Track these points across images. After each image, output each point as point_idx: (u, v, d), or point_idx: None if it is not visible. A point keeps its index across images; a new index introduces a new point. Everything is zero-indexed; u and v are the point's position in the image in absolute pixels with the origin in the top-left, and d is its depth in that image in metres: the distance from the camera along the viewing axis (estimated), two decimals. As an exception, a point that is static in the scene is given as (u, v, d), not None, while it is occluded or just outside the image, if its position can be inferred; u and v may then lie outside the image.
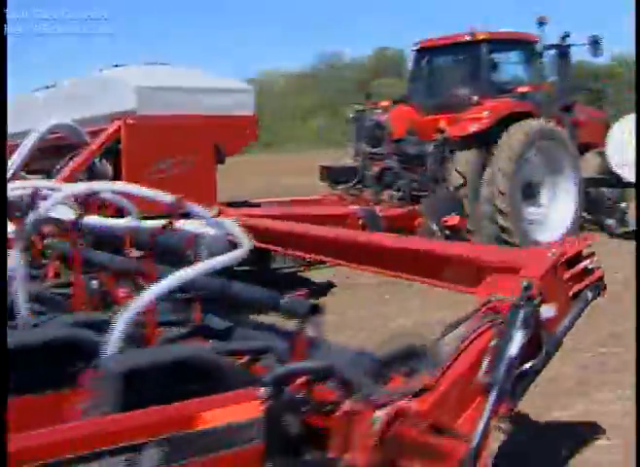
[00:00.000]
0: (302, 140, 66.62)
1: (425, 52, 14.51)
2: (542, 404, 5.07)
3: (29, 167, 8.41)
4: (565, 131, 13.26)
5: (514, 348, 3.06)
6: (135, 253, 4.17)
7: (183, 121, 8.91)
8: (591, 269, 3.57)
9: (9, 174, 7.16)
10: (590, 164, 13.81)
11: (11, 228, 4.12)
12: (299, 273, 10.00)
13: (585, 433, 4.93)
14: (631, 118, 13.46)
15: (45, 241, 4.86)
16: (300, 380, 2.78)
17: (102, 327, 3.11)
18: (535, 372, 3.24)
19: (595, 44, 14.10)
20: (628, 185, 13.11)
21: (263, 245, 4.91)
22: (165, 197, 3.56)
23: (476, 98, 12.77)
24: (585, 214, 13.44)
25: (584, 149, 13.67)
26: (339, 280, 9.68)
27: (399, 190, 12.36)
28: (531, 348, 3.16)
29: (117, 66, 10.28)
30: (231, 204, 8.64)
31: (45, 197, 3.92)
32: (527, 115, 12.71)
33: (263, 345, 3.43)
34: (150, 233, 3.79)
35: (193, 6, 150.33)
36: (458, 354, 3.06)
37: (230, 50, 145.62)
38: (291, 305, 3.51)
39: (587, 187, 13.39)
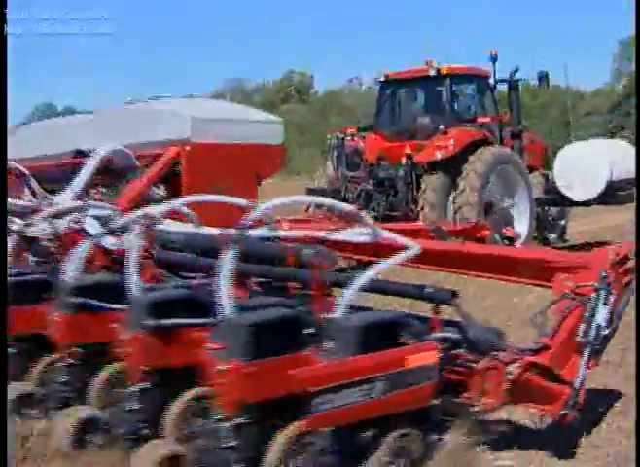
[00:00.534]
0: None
1: (391, 83, 16.06)
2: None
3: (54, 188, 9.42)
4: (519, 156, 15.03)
5: (600, 319, 4.72)
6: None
7: (231, 149, 10.29)
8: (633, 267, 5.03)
9: (72, 194, 8.54)
10: (534, 185, 15.31)
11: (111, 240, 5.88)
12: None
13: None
14: (575, 146, 16.44)
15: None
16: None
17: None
18: (609, 337, 4.87)
19: (543, 78, 16.28)
20: (573, 204, 15.25)
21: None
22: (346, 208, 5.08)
23: (442, 127, 14.38)
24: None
25: (529, 171, 15.23)
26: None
27: (373, 210, 13.77)
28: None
29: (154, 98, 11.80)
30: None
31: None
32: (485, 142, 14.57)
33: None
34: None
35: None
36: (561, 323, 4.72)
37: (132, 73, 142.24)
38: (435, 293, 4.75)
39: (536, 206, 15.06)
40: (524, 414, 5.34)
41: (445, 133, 14.26)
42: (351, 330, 4.12)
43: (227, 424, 4.08)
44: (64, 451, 4.85)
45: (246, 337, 4.08)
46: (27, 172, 9.96)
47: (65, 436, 4.89)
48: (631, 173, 15.20)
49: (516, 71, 15.94)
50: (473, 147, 14.14)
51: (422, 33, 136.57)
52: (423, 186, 13.79)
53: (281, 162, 12.11)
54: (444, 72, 15.13)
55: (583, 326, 4.75)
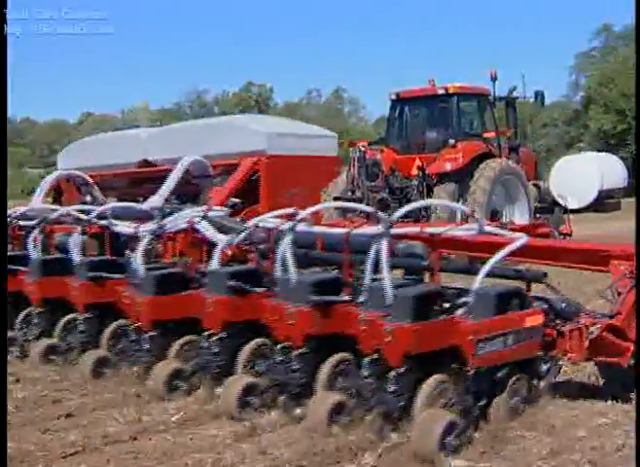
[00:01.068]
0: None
1: (401, 101, 17.57)
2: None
3: (120, 195, 11.20)
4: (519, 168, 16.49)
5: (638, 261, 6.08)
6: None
7: (300, 160, 11.88)
8: None
9: (161, 199, 9.98)
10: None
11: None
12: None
13: None
14: (569, 158, 17.47)
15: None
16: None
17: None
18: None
19: (539, 97, 17.73)
20: (567, 211, 16.49)
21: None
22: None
23: (452, 141, 15.94)
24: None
25: None
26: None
27: (389, 216, 14.73)
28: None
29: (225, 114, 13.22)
30: None
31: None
32: (489, 155, 16.28)
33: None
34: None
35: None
36: (626, 295, 6.10)
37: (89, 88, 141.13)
38: (531, 274, 6.29)
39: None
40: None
41: (454, 147, 15.92)
42: (490, 297, 5.58)
43: (392, 373, 5.32)
44: (231, 413, 6.00)
45: (411, 305, 5.37)
46: (91, 180, 11.80)
47: (233, 400, 6.00)
48: (619, 183, 18.06)
49: (514, 90, 17.64)
50: (478, 159, 15.84)
51: (379, 45, 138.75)
52: (435, 194, 15.16)
53: (337, 172, 13.72)
54: (452, 91, 16.74)
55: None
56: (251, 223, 7.16)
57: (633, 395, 6.33)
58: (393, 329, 5.25)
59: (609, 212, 17.63)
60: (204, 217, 7.76)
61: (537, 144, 49.44)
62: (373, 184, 14.94)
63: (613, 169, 18.80)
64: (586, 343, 5.89)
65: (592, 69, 60.64)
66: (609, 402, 6.27)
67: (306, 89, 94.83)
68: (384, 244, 5.76)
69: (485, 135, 16.87)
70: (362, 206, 8.53)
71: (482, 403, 5.50)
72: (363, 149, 15.10)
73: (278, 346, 6.05)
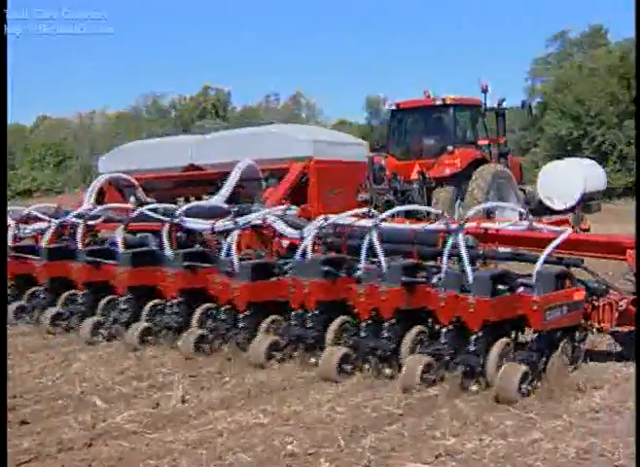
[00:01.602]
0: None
1: (400, 111, 19.00)
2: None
3: (160, 196, 12.37)
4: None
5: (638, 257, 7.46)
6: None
7: (341, 164, 13.33)
8: None
9: (222, 199, 11.24)
10: None
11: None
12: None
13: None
14: (555, 163, 20.29)
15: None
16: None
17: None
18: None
19: (527, 106, 20.12)
20: (553, 212, 17.55)
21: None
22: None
23: (450, 148, 17.19)
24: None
25: None
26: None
27: (393, 216, 15.67)
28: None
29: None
30: None
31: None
32: (483, 161, 17.52)
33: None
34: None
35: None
36: None
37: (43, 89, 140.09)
38: (570, 260, 7.61)
39: None
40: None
41: (452, 153, 17.18)
42: (550, 277, 7.02)
43: (473, 336, 6.79)
44: (330, 377, 7.23)
45: (488, 283, 6.85)
46: (136, 183, 13.10)
47: (332, 367, 7.24)
48: (600, 186, 19.13)
49: (503, 101, 19.00)
50: (474, 165, 17.09)
51: (337, 49, 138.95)
52: (435, 196, 16.51)
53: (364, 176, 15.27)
54: (448, 102, 17.97)
55: None
56: (330, 220, 8.56)
57: (586, 399, 6.46)
58: (476, 302, 6.71)
59: (592, 213, 18.74)
60: (282, 215, 9.37)
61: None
62: (379, 187, 15.81)
63: (594, 174, 19.85)
64: (616, 315, 7.47)
65: (548, 75, 61.29)
66: (563, 403, 6.40)
67: (264, 94, 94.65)
68: (461, 238, 7.24)
69: (480, 142, 18.20)
70: (430, 209, 10.08)
71: (544, 359, 6.89)
72: (371, 155, 16.04)
73: (363, 323, 7.43)
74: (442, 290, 7.05)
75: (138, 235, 10.88)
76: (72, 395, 6.88)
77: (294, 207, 9.96)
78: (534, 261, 7.14)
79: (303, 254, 8.21)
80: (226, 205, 10.19)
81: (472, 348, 6.80)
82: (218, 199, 11.02)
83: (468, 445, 5.46)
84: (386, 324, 7.31)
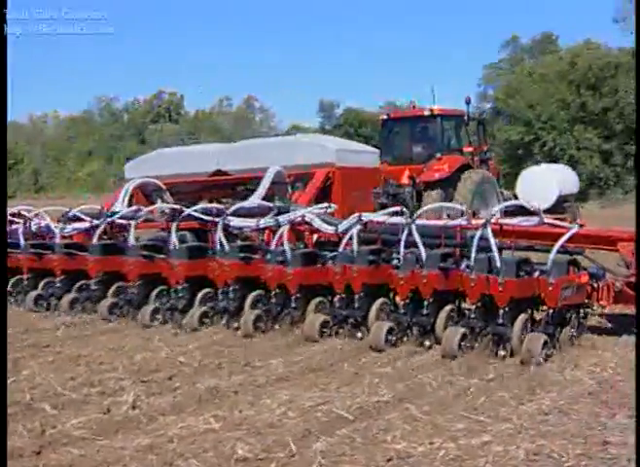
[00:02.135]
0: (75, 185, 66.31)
1: (391, 121, 21.11)
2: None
3: (185, 200, 13.37)
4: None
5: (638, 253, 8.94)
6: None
7: (360, 170, 14.58)
8: None
9: (258, 200, 12.01)
10: None
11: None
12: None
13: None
14: (533, 168, 23.16)
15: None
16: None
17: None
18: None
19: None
20: (531, 214, 18.65)
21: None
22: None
23: (439, 155, 19.02)
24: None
25: None
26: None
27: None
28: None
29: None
30: None
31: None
32: (468, 166, 19.26)
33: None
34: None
35: None
36: (635, 263, 8.93)
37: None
38: (574, 250, 8.87)
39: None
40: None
41: (440, 159, 18.93)
42: (563, 263, 8.45)
43: (501, 311, 8.12)
44: (378, 347, 8.62)
45: (513, 267, 8.19)
46: (163, 187, 14.33)
47: (380, 338, 8.62)
48: (573, 190, 21.47)
49: (484, 112, 23.97)
50: (461, 170, 18.71)
51: (290, 54, 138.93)
52: (425, 199, 17.88)
53: (379, 181, 16.90)
54: (436, 112, 19.90)
55: None
56: (364, 219, 9.92)
57: (536, 402, 6.51)
58: (504, 282, 8.05)
59: (566, 214, 19.98)
60: (323, 214, 10.73)
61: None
62: (375, 190, 16.60)
63: (568, 178, 22.09)
64: (613, 294, 9.03)
65: (500, 80, 61.82)
66: (512, 406, 6.45)
67: (218, 98, 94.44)
68: (489, 231, 8.45)
69: (465, 150, 20.04)
70: (458, 206, 11.55)
71: (558, 330, 8.38)
72: None
73: (402, 302, 8.95)
74: (472, 273, 8.33)
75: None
76: (21, 402, 6.78)
77: (333, 206, 11.25)
78: (547, 251, 8.56)
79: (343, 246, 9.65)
80: (271, 205, 11.26)
81: (500, 321, 8.14)
82: (251, 201, 11.97)
83: (419, 448, 5.48)
84: (425, 303, 8.74)
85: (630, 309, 9.16)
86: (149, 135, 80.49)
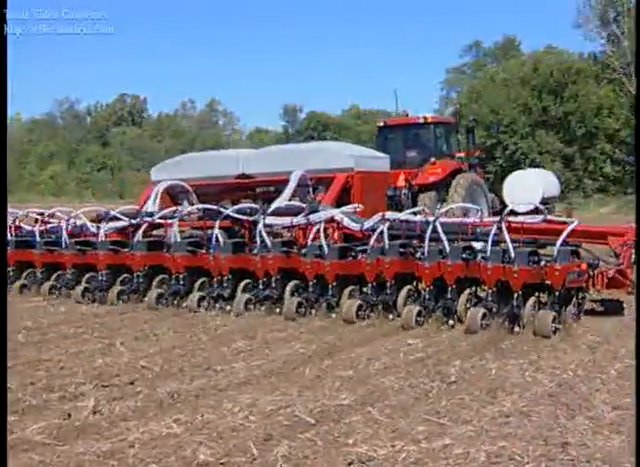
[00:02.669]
0: (36, 188, 65.63)
1: (387, 127, 22.61)
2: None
3: (209, 201, 14.27)
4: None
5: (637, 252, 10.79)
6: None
7: (375, 174, 15.84)
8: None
9: (285, 202, 13.10)
10: None
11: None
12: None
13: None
14: (518, 173, 25.40)
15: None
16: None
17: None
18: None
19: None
20: (517, 214, 20.06)
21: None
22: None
23: (433, 159, 20.37)
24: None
25: None
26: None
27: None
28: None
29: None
30: None
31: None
32: (460, 170, 20.75)
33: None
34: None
35: None
36: (624, 254, 10.76)
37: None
38: (573, 243, 10.37)
39: None
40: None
41: (434, 164, 20.25)
42: (567, 253, 9.82)
43: (515, 294, 9.59)
44: (410, 326, 10.05)
45: (526, 257, 9.66)
46: (190, 189, 15.46)
47: (411, 319, 10.09)
48: (555, 193, 23.55)
49: (474, 120, 23.82)
50: (453, 174, 20.19)
51: (253, 57, 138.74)
52: (420, 200, 19.04)
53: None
54: (429, 120, 21.70)
55: (634, 256, 10.82)
56: (387, 217, 11.44)
57: (497, 404, 6.55)
58: (518, 269, 9.51)
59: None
60: (352, 213, 12.26)
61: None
62: None
63: (550, 182, 23.71)
64: (606, 280, 10.32)
65: (463, 84, 62.13)
66: (473, 408, 6.48)
67: (180, 101, 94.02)
68: (504, 227, 9.91)
69: (457, 155, 21.59)
70: (475, 206, 13.51)
71: (563, 309, 9.85)
72: None
73: (426, 288, 10.36)
74: (488, 263, 9.72)
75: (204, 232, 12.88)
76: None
77: (361, 206, 12.69)
78: (552, 244, 9.94)
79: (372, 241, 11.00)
80: (303, 205, 12.49)
81: (515, 303, 9.58)
82: (279, 202, 13.03)
83: (380, 451, 5.49)
84: (449, 288, 10.21)
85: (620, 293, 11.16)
86: (111, 138, 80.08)
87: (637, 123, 29.75)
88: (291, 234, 12.70)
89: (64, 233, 13.48)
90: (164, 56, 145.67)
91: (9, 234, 14.23)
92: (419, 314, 10.11)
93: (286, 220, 12.20)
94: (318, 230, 11.33)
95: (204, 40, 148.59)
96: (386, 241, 10.80)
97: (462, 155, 21.83)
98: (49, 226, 14.35)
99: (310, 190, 14.51)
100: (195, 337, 9.72)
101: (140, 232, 12.84)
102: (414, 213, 11.83)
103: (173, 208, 13.69)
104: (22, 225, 14.85)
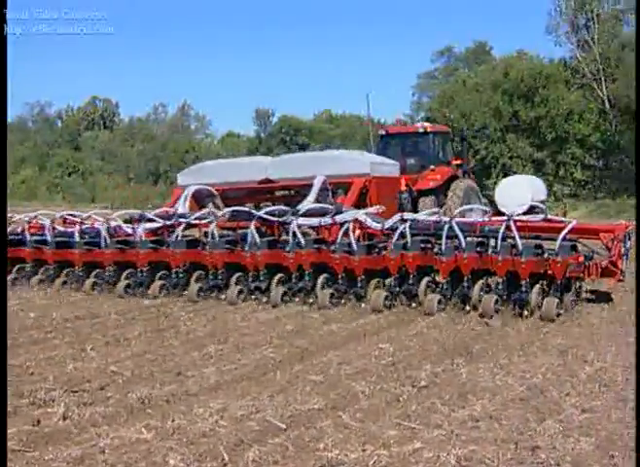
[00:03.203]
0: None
1: (389, 136, 23.39)
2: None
3: (233, 204, 15.46)
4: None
5: (627, 245, 12.23)
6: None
7: (389, 179, 17.66)
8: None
9: (311, 204, 14.13)
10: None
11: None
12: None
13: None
14: (509, 178, 27.42)
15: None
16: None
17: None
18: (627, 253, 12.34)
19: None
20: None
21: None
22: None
23: (432, 166, 21.24)
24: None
25: None
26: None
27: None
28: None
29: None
30: None
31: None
32: (456, 177, 21.75)
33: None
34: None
35: None
36: (614, 248, 11.87)
37: None
38: (572, 240, 11.68)
39: None
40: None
41: (433, 170, 21.16)
42: (567, 247, 11.12)
43: (523, 282, 11.04)
44: (432, 312, 11.33)
45: (532, 250, 11.11)
46: (216, 192, 16.91)
47: (433, 306, 11.36)
48: (542, 197, 23.65)
49: (467, 129, 25.77)
50: (450, 180, 21.16)
51: (225, 62, 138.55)
52: (421, 204, 19.74)
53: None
54: (429, 130, 22.70)
55: (623, 249, 12.04)
56: (406, 217, 12.58)
57: (467, 408, 6.58)
58: (526, 260, 11.00)
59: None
60: (371, 214, 13.12)
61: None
62: None
63: (538, 187, 24.93)
64: (600, 270, 11.61)
65: (434, 89, 62.33)
66: (444, 412, 6.50)
67: (152, 105, 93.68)
68: (513, 225, 11.27)
69: (454, 162, 22.49)
70: (484, 208, 14.62)
71: (564, 296, 11.19)
72: None
73: (444, 279, 11.70)
74: (499, 255, 11.20)
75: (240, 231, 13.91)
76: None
77: (383, 207, 13.79)
78: (552, 239, 11.33)
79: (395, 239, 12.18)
80: (330, 207, 13.52)
81: (523, 289, 11.05)
82: (306, 204, 14.10)
83: (351, 455, 5.51)
84: (465, 278, 11.56)
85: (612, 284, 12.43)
86: (83, 142, 79.71)
87: (637, 122, 31.54)
88: (316, 233, 13.76)
89: (104, 233, 14.41)
90: (136, 60, 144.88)
91: (48, 236, 15.13)
92: (439, 302, 11.41)
93: (314, 220, 13.26)
94: (347, 228, 12.54)
95: (176, 43, 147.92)
96: (409, 238, 12.02)
97: (458, 162, 22.87)
98: (84, 227, 15.13)
99: (330, 193, 15.52)
100: (166, 342, 9.68)
101: (179, 231, 13.93)
102: (432, 214, 12.94)
103: (206, 210, 14.81)
104: (57, 226, 15.57)
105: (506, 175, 46.05)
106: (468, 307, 11.29)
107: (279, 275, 12.88)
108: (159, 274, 13.74)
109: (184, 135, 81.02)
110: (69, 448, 5.78)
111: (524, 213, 12.62)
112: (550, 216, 12.33)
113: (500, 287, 11.27)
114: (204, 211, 14.63)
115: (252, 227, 13.14)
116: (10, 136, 78.22)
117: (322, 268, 12.64)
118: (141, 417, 6.49)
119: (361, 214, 12.96)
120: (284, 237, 13.47)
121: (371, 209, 13.53)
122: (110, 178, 68.66)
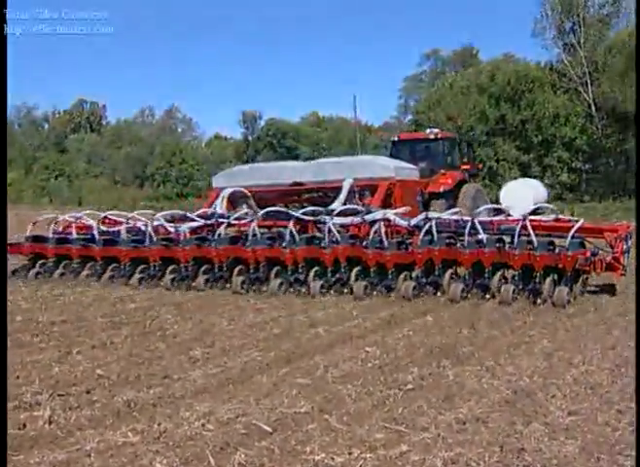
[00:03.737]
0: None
1: (401, 142, 25.00)
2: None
3: (264, 204, 16.88)
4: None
5: (628, 244, 13.55)
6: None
7: (412, 183, 19.24)
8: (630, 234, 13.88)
9: (340, 204, 16.01)
10: None
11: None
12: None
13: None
14: (513, 182, 29.53)
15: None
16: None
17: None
18: (628, 251, 13.66)
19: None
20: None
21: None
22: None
23: (443, 171, 22.44)
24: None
25: None
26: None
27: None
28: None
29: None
30: None
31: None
32: (465, 180, 23.16)
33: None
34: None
35: None
36: (616, 245, 13.19)
37: None
38: (579, 237, 12.98)
39: None
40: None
41: (444, 174, 22.34)
42: (577, 243, 12.58)
43: (514, 273, 12.70)
44: (456, 299, 12.71)
45: (545, 246, 12.49)
46: (249, 194, 18.21)
47: (457, 293, 12.73)
48: (543, 200, 25.70)
49: (473, 134, 26.99)
50: (460, 183, 22.51)
51: (213, 64, 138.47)
52: (432, 206, 20.51)
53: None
54: (439, 136, 24.26)
55: (625, 247, 13.27)
56: (431, 216, 14.01)
57: (454, 411, 6.59)
58: (540, 255, 12.29)
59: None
60: (399, 213, 14.69)
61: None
62: None
63: (540, 190, 27.01)
64: (604, 265, 12.89)
65: (421, 92, 62.42)
66: (431, 415, 6.51)
67: (140, 108, 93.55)
68: (528, 223, 12.67)
69: (463, 167, 23.83)
70: (502, 207, 17.02)
71: (573, 285, 12.59)
72: None
73: (466, 270, 13.10)
74: (516, 250, 12.49)
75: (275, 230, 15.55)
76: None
77: (409, 208, 15.49)
78: (562, 237, 12.72)
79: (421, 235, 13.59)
80: (361, 208, 15.20)
81: (537, 281, 12.34)
82: (336, 205, 15.83)
83: (338, 459, 5.51)
84: (486, 270, 12.78)
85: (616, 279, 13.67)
86: (69, 145, 79.51)
87: (637, 123, 34.25)
88: (346, 232, 14.60)
89: (150, 231, 15.40)
90: (124, 62, 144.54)
91: (95, 234, 16.15)
92: (462, 291, 12.74)
93: (346, 219, 14.66)
94: (379, 227, 13.90)
95: (164, 46, 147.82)
96: (435, 234, 13.41)
97: (467, 167, 24.16)
98: (128, 226, 16.29)
99: (357, 195, 17.05)
100: (152, 345, 9.65)
101: (222, 229, 15.16)
102: (453, 213, 14.56)
103: (245, 210, 16.43)
104: (102, 226, 16.65)
105: (492, 179, 46.50)
106: (488, 296, 12.63)
107: (315, 269, 13.96)
108: (202, 269, 14.80)
109: (171, 138, 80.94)
110: (55, 451, 5.75)
111: (531, 213, 13.60)
112: (561, 216, 14.11)
113: (516, 279, 12.56)
114: (242, 211, 16.16)
115: (291, 225, 14.43)
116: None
117: (355, 262, 13.81)
118: (127, 421, 6.47)
119: (390, 214, 14.46)
120: (317, 235, 14.61)
121: (399, 210, 15.09)
122: (96, 181, 68.55)
